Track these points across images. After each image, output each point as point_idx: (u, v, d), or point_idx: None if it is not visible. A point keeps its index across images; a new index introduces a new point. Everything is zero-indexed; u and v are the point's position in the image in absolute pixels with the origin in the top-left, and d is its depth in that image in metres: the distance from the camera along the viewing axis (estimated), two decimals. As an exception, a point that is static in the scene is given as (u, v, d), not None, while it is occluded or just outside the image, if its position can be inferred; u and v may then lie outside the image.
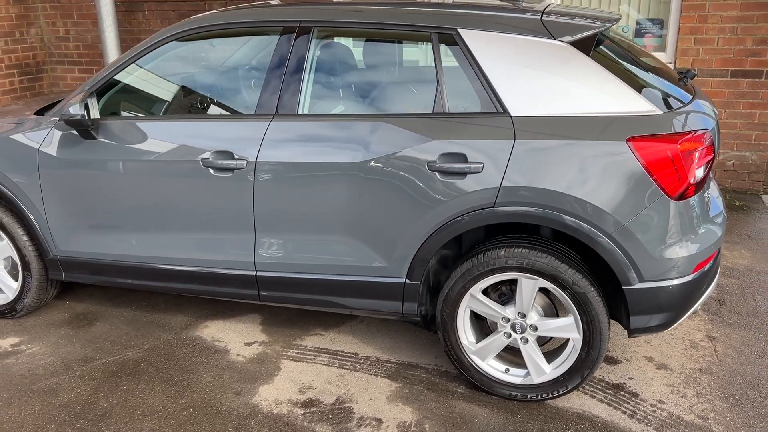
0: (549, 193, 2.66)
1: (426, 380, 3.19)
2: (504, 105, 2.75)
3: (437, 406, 2.99)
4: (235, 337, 3.60)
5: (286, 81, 3.03)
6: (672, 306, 2.73)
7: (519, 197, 2.69)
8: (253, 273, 3.20)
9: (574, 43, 2.75)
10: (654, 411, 2.93)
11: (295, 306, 3.31)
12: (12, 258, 3.72)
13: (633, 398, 3.02)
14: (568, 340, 2.89)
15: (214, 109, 3.23)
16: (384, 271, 2.99)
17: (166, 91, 3.34)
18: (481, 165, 2.71)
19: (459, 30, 2.86)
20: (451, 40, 2.86)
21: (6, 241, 3.63)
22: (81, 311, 3.92)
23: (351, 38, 3.17)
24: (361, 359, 3.37)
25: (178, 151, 3.14)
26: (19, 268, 3.66)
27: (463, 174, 2.75)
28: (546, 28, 2.79)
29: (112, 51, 6.97)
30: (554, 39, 2.76)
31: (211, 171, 3.09)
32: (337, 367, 3.31)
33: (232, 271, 3.23)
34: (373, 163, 2.86)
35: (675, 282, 2.69)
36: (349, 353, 3.43)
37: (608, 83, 2.69)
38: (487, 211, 2.74)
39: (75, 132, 3.30)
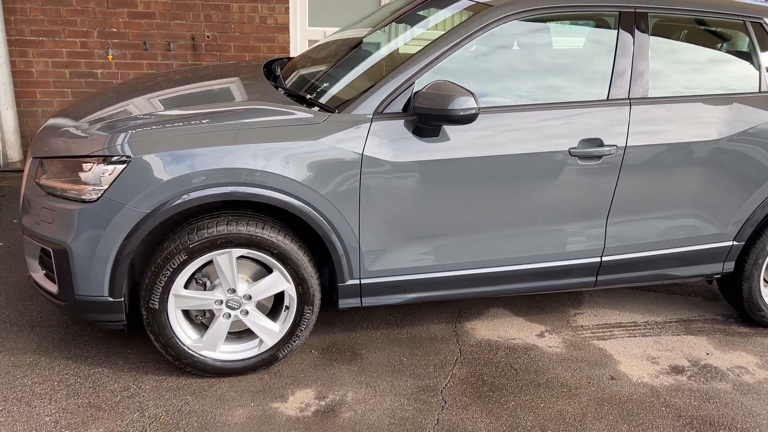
0: None
1: (715, 329, 3.62)
2: None
3: (753, 346, 3.47)
4: (518, 332, 3.48)
5: (634, 66, 3.09)
6: None
7: None
8: (598, 259, 3.20)
9: None
10: None
11: (623, 286, 3.40)
12: (268, 295, 2.94)
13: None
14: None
15: (551, 96, 3.06)
16: (720, 237, 3.32)
17: (494, 75, 3.03)
18: (822, 135, 3.25)
19: (765, 19, 3.30)
20: (760, 27, 3.30)
21: (279, 272, 2.85)
22: (321, 344, 3.27)
23: (675, 23, 3.32)
24: (642, 325, 3.62)
25: (543, 142, 2.95)
26: (293, 304, 2.92)
27: (807, 143, 3.25)
28: None
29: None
30: None
31: (578, 160, 2.99)
32: (641, 336, 3.51)
33: (575, 261, 3.17)
34: (731, 139, 3.16)
35: None
36: (628, 323, 3.64)
37: None
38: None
39: (404, 129, 2.81)
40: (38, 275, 2.91)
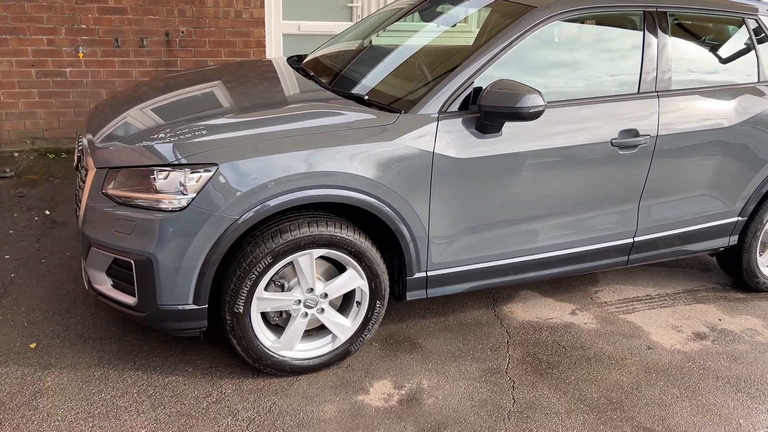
0: None
1: (718, 297, 4.00)
2: None
3: (755, 309, 3.87)
4: (552, 312, 3.72)
5: (660, 61, 3.36)
6: None
7: None
8: (631, 240, 3.48)
9: None
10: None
11: (648, 263, 3.68)
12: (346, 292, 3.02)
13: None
14: None
15: (590, 90, 3.28)
16: (728, 214, 3.69)
17: (539, 73, 3.21)
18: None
19: (759, 16, 3.67)
20: (756, 23, 3.67)
21: (353, 270, 2.94)
22: (378, 337, 3.37)
23: (689, 21, 3.61)
24: (657, 298, 3.95)
25: (589, 134, 3.17)
26: (365, 299, 3.01)
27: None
28: None
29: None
30: None
31: (618, 150, 3.24)
32: (659, 308, 3.84)
33: (613, 243, 3.44)
34: (742, 124, 3.51)
35: None
36: (644, 296, 3.96)
37: None
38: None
39: (466, 127, 2.96)
40: (105, 287, 2.86)
